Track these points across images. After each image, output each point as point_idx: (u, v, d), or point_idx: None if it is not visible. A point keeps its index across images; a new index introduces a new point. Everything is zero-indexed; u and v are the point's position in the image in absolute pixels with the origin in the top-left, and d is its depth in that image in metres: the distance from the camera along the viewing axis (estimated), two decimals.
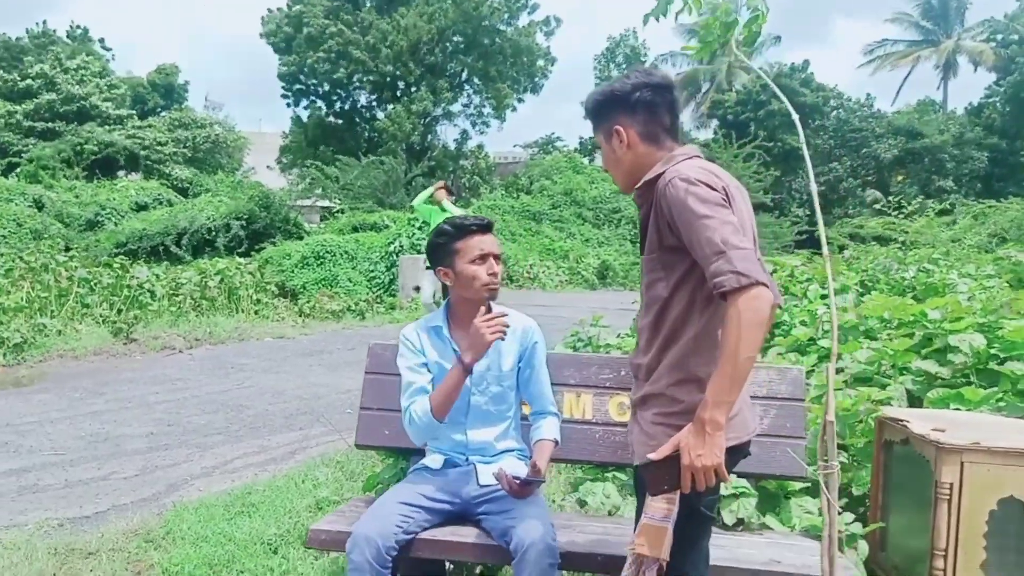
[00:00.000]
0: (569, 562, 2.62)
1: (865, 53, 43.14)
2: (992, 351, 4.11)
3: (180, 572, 3.50)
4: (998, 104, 36.42)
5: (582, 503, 3.34)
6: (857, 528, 2.93)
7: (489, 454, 2.84)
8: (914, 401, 3.90)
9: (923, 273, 7.85)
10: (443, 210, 9.73)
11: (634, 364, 2.21)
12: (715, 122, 39.00)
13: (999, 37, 37.80)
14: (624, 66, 42.03)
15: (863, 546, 2.91)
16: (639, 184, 2.13)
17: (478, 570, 3.28)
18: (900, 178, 34.73)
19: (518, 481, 2.65)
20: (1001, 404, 3.49)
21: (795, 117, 2.13)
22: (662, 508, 1.96)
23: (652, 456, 1.95)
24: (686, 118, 43.28)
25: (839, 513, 2.13)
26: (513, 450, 2.89)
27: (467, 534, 2.70)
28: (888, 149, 34.78)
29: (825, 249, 1.94)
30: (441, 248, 2.81)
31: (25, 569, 3.50)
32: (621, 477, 3.48)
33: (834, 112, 37.55)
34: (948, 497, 2.61)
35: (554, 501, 3.92)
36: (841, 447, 3.34)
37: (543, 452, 2.80)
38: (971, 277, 7.74)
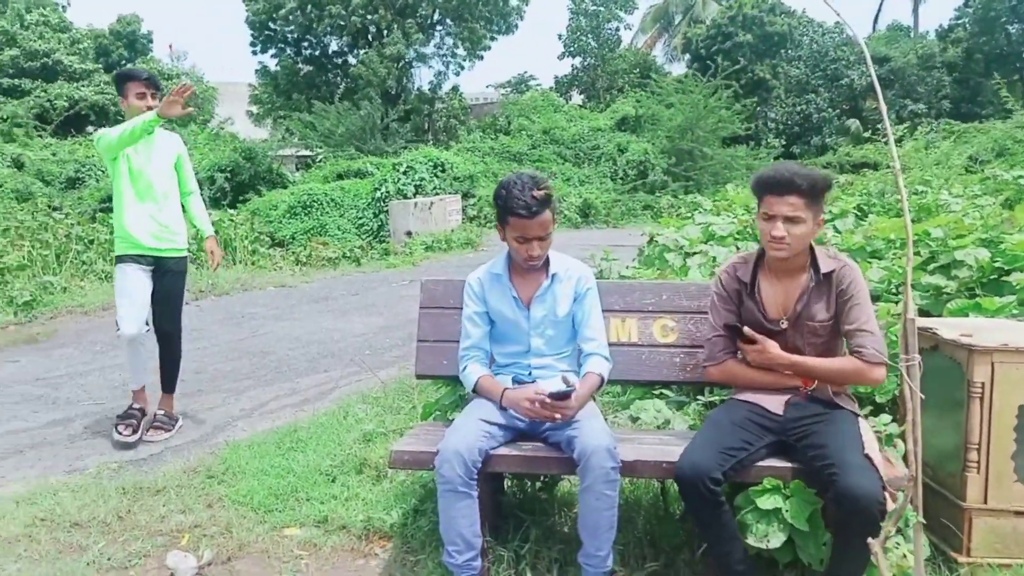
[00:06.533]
0: (633, 470, 2.83)
1: None
2: (995, 264, 4.36)
3: (250, 502, 3.71)
4: (966, 25, 36.46)
5: (634, 419, 3.55)
6: (894, 428, 3.16)
7: (553, 372, 3.03)
8: (923, 315, 4.13)
9: (916, 195, 8.08)
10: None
11: None
12: (687, 56, 38.26)
13: None
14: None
15: (900, 444, 3.14)
16: (830, 268, 2.85)
17: (537, 484, 3.51)
18: (873, 105, 34.87)
19: (548, 398, 2.76)
20: (1015, 312, 3.73)
21: (873, 76, 2.28)
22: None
23: None
24: (659, 52, 42.72)
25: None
26: (571, 370, 3.09)
27: (536, 449, 2.91)
28: (862, 76, 34.81)
29: (894, 150, 2.12)
30: (498, 209, 2.96)
31: (101, 508, 3.68)
32: (668, 394, 3.70)
33: (807, 40, 37.18)
34: (980, 395, 2.85)
35: (607, 419, 4.14)
36: None
37: (588, 382, 2.95)
38: (961, 196, 7.99)
